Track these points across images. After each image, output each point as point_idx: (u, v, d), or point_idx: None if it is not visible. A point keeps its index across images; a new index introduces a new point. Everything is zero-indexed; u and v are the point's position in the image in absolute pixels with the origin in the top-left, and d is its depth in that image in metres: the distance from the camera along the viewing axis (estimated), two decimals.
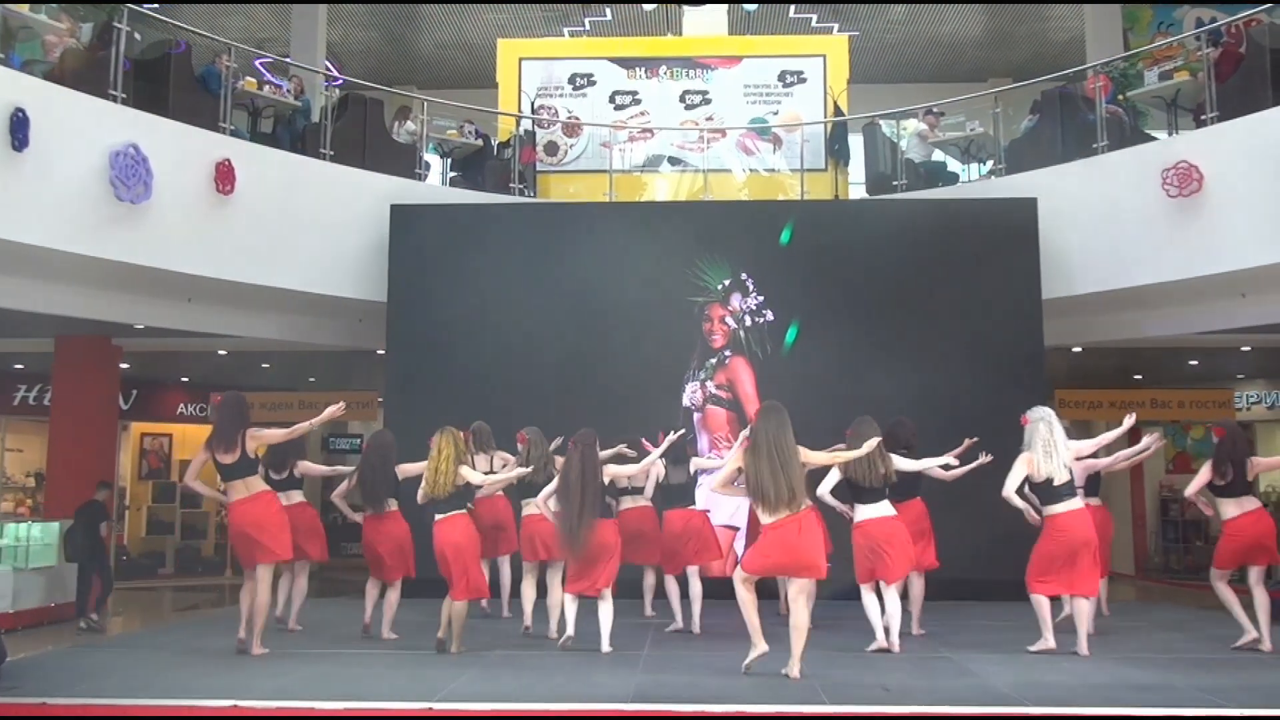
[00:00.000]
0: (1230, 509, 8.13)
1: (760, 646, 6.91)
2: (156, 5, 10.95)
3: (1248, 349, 14.00)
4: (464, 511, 7.97)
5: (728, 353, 11.60)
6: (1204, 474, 8.18)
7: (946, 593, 9.74)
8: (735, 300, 11.62)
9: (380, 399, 15.00)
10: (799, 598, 6.92)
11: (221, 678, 6.96)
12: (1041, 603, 7.93)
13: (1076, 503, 7.83)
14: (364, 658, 7.77)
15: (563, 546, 7.83)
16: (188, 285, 10.88)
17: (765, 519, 6.88)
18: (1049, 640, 7.86)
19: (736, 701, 6.20)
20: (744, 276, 11.65)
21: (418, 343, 11.62)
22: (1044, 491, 7.79)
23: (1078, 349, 13.36)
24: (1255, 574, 8.17)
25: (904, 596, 8.58)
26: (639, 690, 6.54)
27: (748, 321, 11.59)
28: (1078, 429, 19.25)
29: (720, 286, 11.66)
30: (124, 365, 13.95)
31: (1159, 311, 11.65)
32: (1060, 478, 7.74)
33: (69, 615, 11.69)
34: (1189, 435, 18.22)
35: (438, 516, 7.88)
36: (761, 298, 11.59)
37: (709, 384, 11.53)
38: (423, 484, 7.89)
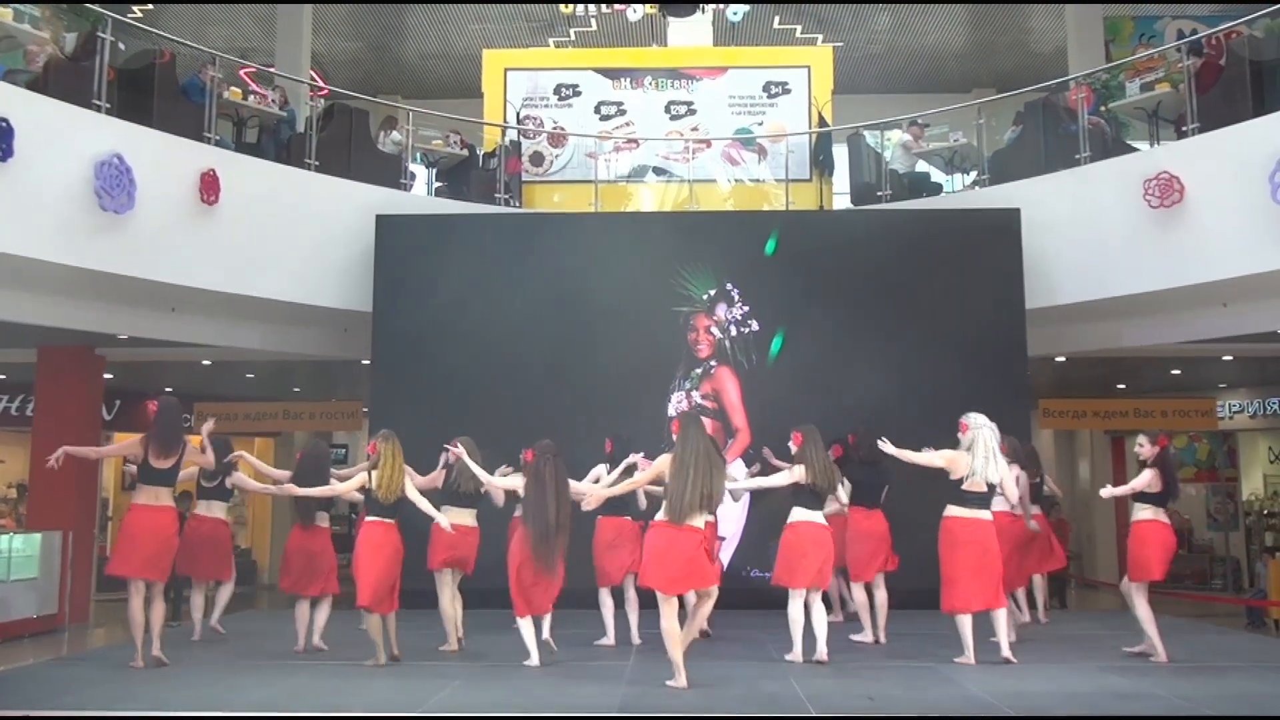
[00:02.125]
0: (1147, 514, 8.08)
1: (680, 681, 6.86)
2: (140, 15, 10.89)
3: (1229, 358, 14.09)
4: (395, 520, 7.90)
5: (713, 362, 11.61)
6: (1146, 478, 8.05)
7: (929, 602, 9.75)
8: (720, 310, 11.64)
9: (365, 409, 14.98)
10: (704, 604, 7.03)
11: (204, 689, 6.94)
12: (965, 621, 7.88)
13: (984, 513, 7.86)
14: (346, 669, 7.73)
15: (537, 561, 7.54)
16: (171, 295, 10.85)
17: (668, 524, 6.87)
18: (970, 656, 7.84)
19: (721, 713, 6.20)
20: (729, 286, 11.66)
21: (403, 353, 11.60)
22: (971, 497, 7.80)
23: (1061, 358, 13.43)
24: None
25: (870, 602, 8.94)
26: (624, 702, 6.53)
27: (733, 331, 11.61)
28: (1062, 439, 19.52)
29: (705, 296, 11.67)
30: (107, 375, 13.89)
31: (1141, 321, 11.71)
32: (988, 486, 7.85)
33: (52, 627, 11.65)
34: (1172, 444, 18.30)
35: (370, 519, 7.81)
36: (747, 307, 11.61)
37: (694, 394, 11.54)
38: (373, 486, 7.78)
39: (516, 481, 8.07)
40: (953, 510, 7.84)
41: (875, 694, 6.74)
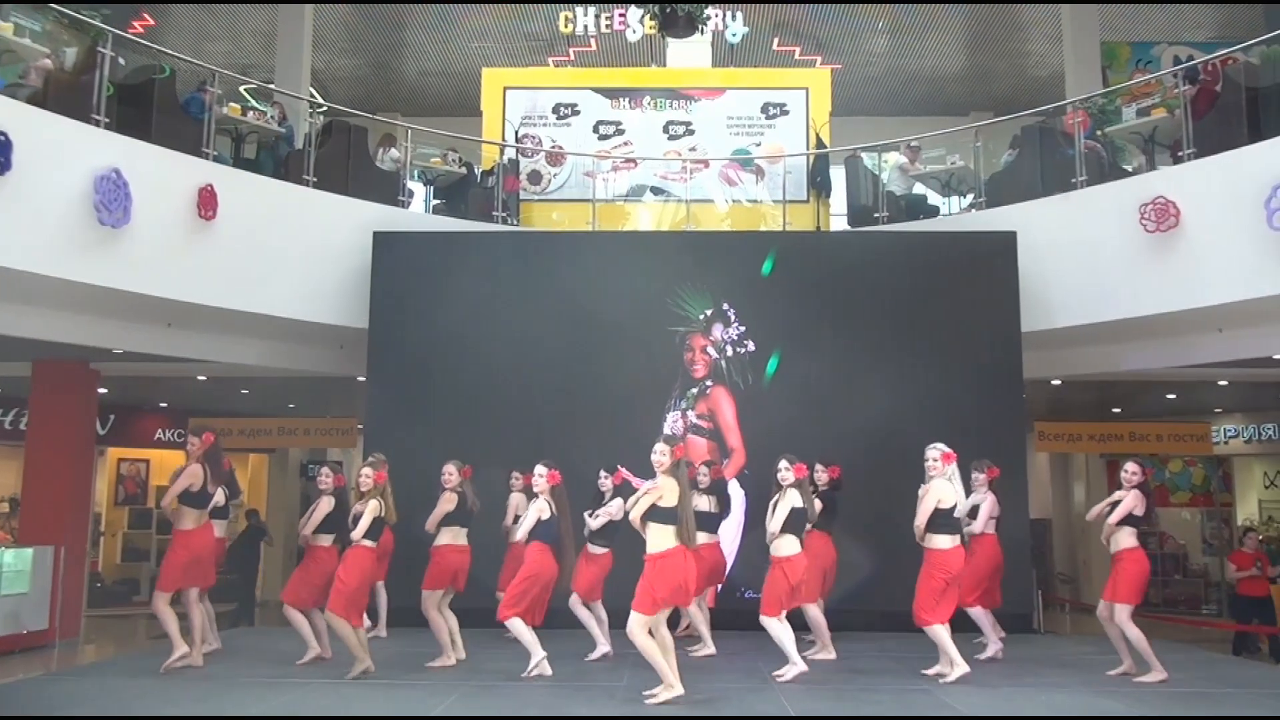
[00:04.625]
0: (1133, 540, 8.12)
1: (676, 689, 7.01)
2: (142, 30, 10.91)
3: (1225, 383, 14.10)
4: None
5: (709, 382, 11.60)
6: (1133, 501, 8.08)
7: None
8: (717, 330, 11.64)
9: (360, 425, 14.96)
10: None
11: (195, 706, 6.91)
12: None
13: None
14: (338, 688, 7.69)
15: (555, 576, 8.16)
16: (168, 310, 10.83)
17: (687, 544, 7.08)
18: (964, 665, 8.02)
19: None
20: (726, 306, 11.67)
21: (399, 369, 11.59)
22: (957, 524, 8.11)
23: (1057, 381, 13.43)
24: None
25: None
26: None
27: (729, 351, 11.60)
28: (1057, 462, 19.53)
29: (702, 316, 11.68)
30: (102, 390, 13.87)
31: (1137, 345, 11.73)
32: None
33: (43, 643, 11.59)
34: (1167, 468, 18.35)
35: (369, 543, 7.93)
36: (743, 328, 11.62)
37: (690, 414, 11.53)
38: (383, 513, 7.97)
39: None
40: (950, 540, 8.00)
41: (868, 715, 6.72)
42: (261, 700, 7.11)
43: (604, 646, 8.98)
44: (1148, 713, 6.88)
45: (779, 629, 7.99)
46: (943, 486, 7.98)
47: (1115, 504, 8.18)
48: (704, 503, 9.20)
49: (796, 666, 7.95)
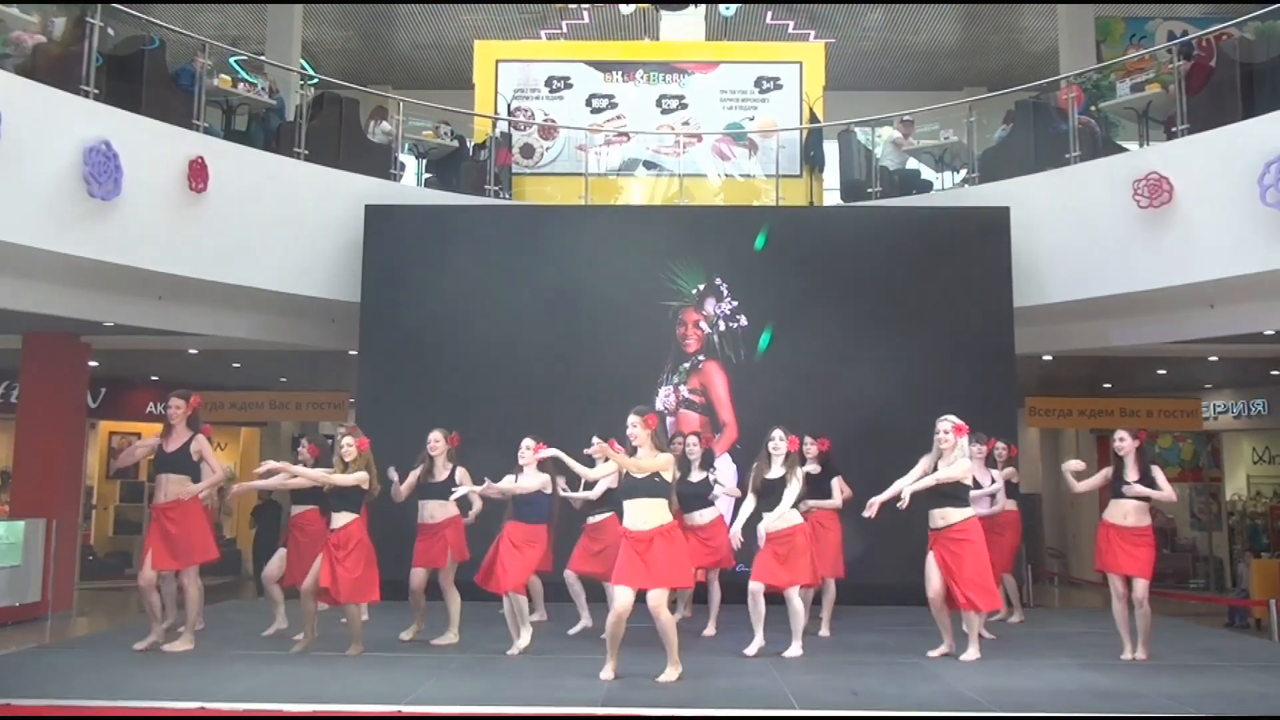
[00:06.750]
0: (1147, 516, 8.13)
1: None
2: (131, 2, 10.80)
3: (1215, 359, 14.13)
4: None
5: (701, 357, 11.61)
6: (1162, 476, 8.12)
7: (915, 598, 9.78)
8: (709, 305, 11.63)
9: (351, 399, 14.95)
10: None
11: (188, 679, 6.91)
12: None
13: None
14: (331, 661, 7.71)
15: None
16: (159, 283, 10.79)
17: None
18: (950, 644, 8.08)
19: (706, 707, 6.22)
20: (718, 281, 11.66)
21: (391, 343, 11.58)
22: (965, 494, 7.92)
23: (1048, 357, 13.45)
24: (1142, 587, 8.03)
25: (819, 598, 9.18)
26: (608, 695, 6.53)
27: (721, 326, 11.61)
28: (1048, 437, 19.58)
29: (694, 291, 11.66)
30: (93, 363, 13.82)
31: (1128, 321, 11.75)
32: None
33: (35, 615, 11.60)
34: (1156, 443, 18.40)
35: (353, 516, 7.83)
36: (735, 302, 11.61)
37: (682, 388, 11.53)
38: (365, 485, 7.85)
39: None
40: (973, 511, 7.94)
41: (859, 689, 6.76)
42: (252, 674, 7.13)
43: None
44: (1135, 687, 6.93)
45: (757, 596, 8.03)
46: (965, 463, 7.88)
47: (1118, 477, 8.11)
48: (708, 476, 9.23)
49: (757, 643, 7.98)
